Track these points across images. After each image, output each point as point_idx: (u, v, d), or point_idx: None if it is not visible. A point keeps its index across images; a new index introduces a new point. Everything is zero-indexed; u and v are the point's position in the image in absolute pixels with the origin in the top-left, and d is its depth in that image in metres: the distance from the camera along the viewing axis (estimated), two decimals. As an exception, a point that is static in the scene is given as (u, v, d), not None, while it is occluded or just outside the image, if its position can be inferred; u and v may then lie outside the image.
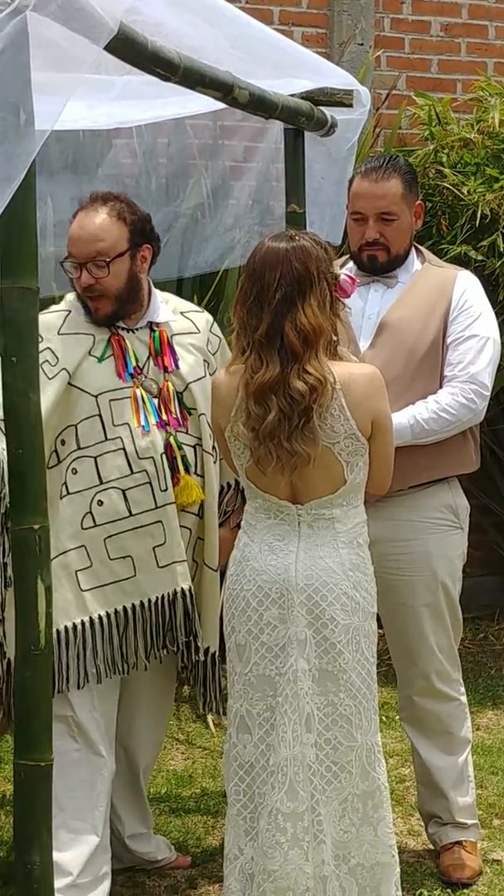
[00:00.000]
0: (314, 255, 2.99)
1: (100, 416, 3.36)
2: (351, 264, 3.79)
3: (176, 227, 4.51)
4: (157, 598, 3.42)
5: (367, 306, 3.73)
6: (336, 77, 3.76)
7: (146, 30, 2.61)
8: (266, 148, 4.42)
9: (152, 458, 3.38)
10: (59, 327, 3.43)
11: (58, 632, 3.30)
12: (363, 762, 3.08)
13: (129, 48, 2.49)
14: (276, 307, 2.96)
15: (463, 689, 3.86)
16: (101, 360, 3.41)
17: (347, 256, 3.87)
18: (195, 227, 4.63)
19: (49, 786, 2.45)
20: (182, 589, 3.44)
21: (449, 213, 5.53)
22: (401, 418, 3.55)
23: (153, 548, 3.40)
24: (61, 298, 3.54)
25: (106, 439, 3.36)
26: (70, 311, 3.46)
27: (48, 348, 3.36)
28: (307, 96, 3.65)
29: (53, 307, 3.48)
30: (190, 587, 3.46)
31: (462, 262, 5.08)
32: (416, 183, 3.85)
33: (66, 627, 3.34)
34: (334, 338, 3.06)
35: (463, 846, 3.84)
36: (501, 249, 5.32)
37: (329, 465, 3.03)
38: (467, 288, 3.75)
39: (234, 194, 4.72)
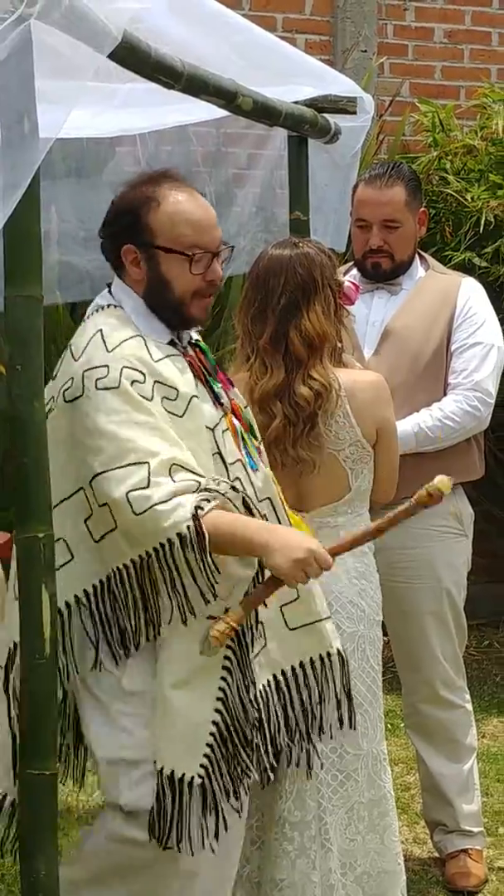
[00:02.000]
0: (318, 261, 2.99)
1: (220, 453, 2.71)
2: (355, 271, 3.79)
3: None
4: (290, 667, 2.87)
5: (371, 313, 3.73)
6: (339, 84, 3.76)
7: (150, 38, 2.61)
8: (270, 155, 4.42)
9: (269, 498, 2.84)
10: (151, 356, 2.67)
11: None
12: (369, 770, 3.08)
13: (132, 56, 2.49)
14: (280, 313, 2.96)
15: (468, 697, 3.86)
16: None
17: (351, 263, 3.87)
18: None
19: (54, 795, 2.45)
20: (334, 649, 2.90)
21: (453, 219, 5.53)
22: (405, 426, 3.54)
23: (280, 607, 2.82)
24: (68, 306, 3.50)
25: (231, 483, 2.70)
26: (138, 334, 2.70)
27: (158, 382, 2.62)
28: (311, 103, 3.65)
29: (116, 336, 2.68)
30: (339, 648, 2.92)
31: (466, 268, 5.07)
32: (420, 190, 3.85)
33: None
34: (339, 344, 3.07)
35: (468, 854, 3.83)
36: (505, 256, 5.32)
37: (334, 472, 3.02)
38: (471, 295, 3.75)
39: (238, 202, 4.72)
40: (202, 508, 2.48)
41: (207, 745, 2.60)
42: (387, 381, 3.17)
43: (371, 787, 3.09)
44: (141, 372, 2.61)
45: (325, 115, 3.72)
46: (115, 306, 2.77)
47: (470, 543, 3.85)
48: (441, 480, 2.58)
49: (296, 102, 3.58)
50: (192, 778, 2.58)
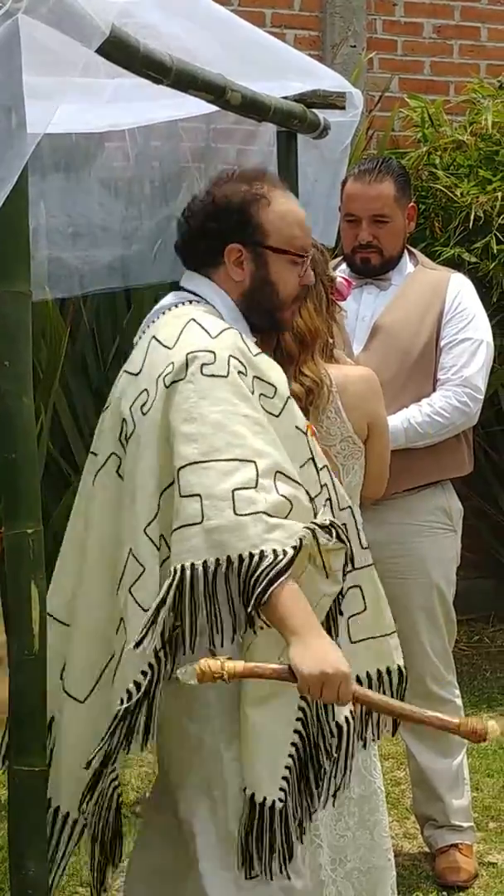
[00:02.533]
0: (313, 258, 2.98)
1: (313, 458, 2.59)
2: (344, 266, 3.79)
3: (169, 231, 4.50)
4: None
5: (360, 309, 3.73)
6: (328, 79, 3.75)
7: (138, 32, 2.61)
8: (259, 151, 4.41)
9: (349, 507, 2.72)
10: (249, 347, 2.54)
11: None
12: (359, 766, 3.07)
13: (120, 51, 2.49)
14: None
15: (458, 692, 3.86)
16: None
17: (341, 258, 3.86)
18: (189, 230, 4.62)
19: (44, 791, 2.44)
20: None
21: (442, 215, 5.52)
22: (394, 421, 3.54)
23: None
24: (57, 302, 3.49)
25: (320, 490, 2.60)
26: (232, 327, 2.57)
27: (256, 377, 2.50)
28: (300, 99, 3.65)
29: (215, 324, 2.52)
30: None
31: (455, 264, 5.07)
32: (409, 185, 3.85)
33: None
34: (331, 340, 3.06)
35: (459, 849, 3.83)
36: (495, 251, 5.31)
37: (325, 468, 3.02)
38: (461, 290, 3.75)
39: (227, 197, 4.71)
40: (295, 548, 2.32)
41: (286, 766, 2.50)
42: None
43: (361, 783, 3.09)
44: (243, 364, 2.47)
45: (315, 110, 3.71)
46: (198, 302, 2.61)
47: (459, 539, 3.85)
48: (493, 728, 2.39)
49: (285, 98, 3.57)
50: (274, 802, 2.48)
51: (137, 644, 2.33)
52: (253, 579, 2.28)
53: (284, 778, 2.49)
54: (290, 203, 2.68)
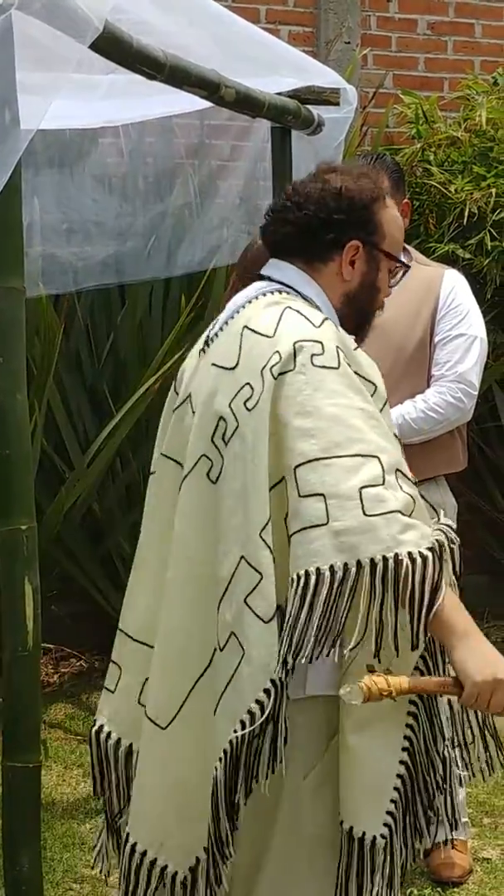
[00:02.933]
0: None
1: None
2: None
3: (163, 227, 4.51)
4: None
5: (354, 305, 3.73)
6: (323, 75, 3.76)
7: (132, 28, 2.61)
8: (253, 147, 4.41)
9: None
10: (348, 341, 2.39)
11: None
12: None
13: (114, 47, 2.49)
14: None
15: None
16: None
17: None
18: (182, 226, 4.63)
19: (38, 787, 2.44)
20: None
21: (436, 211, 5.52)
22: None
23: None
24: (51, 298, 3.48)
25: None
26: (328, 317, 2.42)
27: (357, 373, 2.34)
28: (294, 95, 3.65)
29: (315, 314, 2.36)
30: None
31: (450, 260, 5.08)
32: (403, 181, 3.85)
33: None
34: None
35: (453, 845, 3.83)
36: (489, 248, 5.31)
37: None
38: (454, 286, 3.75)
39: (222, 193, 4.72)
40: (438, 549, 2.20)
41: (391, 800, 2.29)
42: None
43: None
44: (347, 357, 2.30)
45: (309, 106, 3.71)
46: (287, 293, 2.41)
47: (454, 535, 3.84)
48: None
49: (279, 94, 3.57)
50: (375, 838, 2.28)
51: (285, 660, 2.14)
52: (413, 587, 2.15)
53: (390, 813, 2.28)
54: (394, 207, 2.55)
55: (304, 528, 2.16)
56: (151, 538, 2.47)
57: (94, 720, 2.54)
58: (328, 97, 3.71)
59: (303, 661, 2.14)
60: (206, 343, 2.44)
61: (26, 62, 2.29)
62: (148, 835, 2.37)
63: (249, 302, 2.41)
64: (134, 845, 2.38)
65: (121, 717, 2.47)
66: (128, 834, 2.40)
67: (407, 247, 3.89)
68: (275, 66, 3.59)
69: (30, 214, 3.93)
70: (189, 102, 3.46)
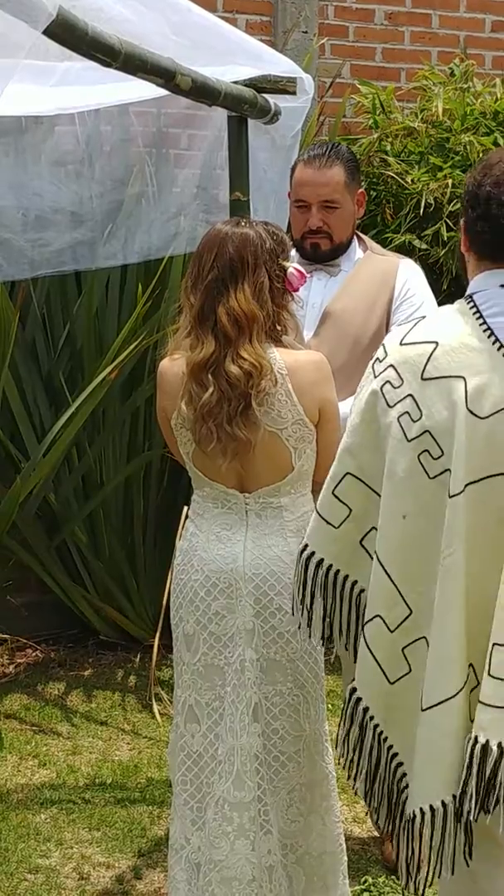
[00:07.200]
0: (255, 243, 2.99)
1: None
2: (293, 252, 3.79)
3: (120, 215, 4.49)
4: None
5: (310, 295, 3.73)
6: (279, 64, 3.75)
7: (86, 15, 2.59)
8: (210, 136, 4.40)
9: None
10: None
11: None
12: (310, 751, 3.09)
13: (68, 33, 2.47)
14: (206, 288, 2.98)
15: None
16: None
17: (290, 244, 3.86)
18: (139, 214, 4.61)
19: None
20: None
21: (393, 201, 5.54)
22: (345, 407, 3.54)
23: None
24: (8, 285, 3.44)
25: None
26: None
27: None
28: (250, 84, 3.63)
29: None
30: None
31: (406, 251, 5.08)
32: (359, 171, 3.85)
33: None
34: (278, 327, 3.06)
35: (408, 833, 3.85)
36: (445, 238, 5.33)
37: (276, 451, 3.02)
38: (409, 276, 3.76)
39: (179, 182, 4.70)
40: None
41: None
42: (327, 363, 3.17)
43: (312, 769, 3.10)
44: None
45: (265, 95, 3.70)
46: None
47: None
48: None
49: (236, 82, 3.56)
50: None
51: None
52: None
53: None
54: None
55: None
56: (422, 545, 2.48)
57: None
58: (285, 86, 3.70)
59: None
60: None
61: (-21, 48, 2.28)
62: None
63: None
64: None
65: None
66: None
67: (363, 237, 3.91)
68: (231, 54, 3.58)
69: (-16, 202, 3.90)
70: (146, 90, 3.44)
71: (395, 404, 2.50)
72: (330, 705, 4.65)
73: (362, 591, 2.62)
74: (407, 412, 2.47)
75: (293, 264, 3.15)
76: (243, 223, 3.06)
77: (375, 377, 2.57)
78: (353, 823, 4.08)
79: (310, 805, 3.10)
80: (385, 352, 2.57)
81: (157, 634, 4.93)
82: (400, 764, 2.57)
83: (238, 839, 2.98)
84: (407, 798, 2.54)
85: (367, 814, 4.03)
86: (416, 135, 5.60)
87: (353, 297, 3.72)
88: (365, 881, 3.72)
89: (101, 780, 4.38)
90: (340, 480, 2.60)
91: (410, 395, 2.47)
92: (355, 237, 3.83)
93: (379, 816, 2.61)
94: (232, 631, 3.03)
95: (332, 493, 2.61)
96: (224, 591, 3.03)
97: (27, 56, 2.46)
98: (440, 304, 3.88)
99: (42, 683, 5.24)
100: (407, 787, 2.55)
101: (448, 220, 5.33)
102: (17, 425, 5.26)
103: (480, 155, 5.39)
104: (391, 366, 2.53)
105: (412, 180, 5.41)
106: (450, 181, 5.34)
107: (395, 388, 2.51)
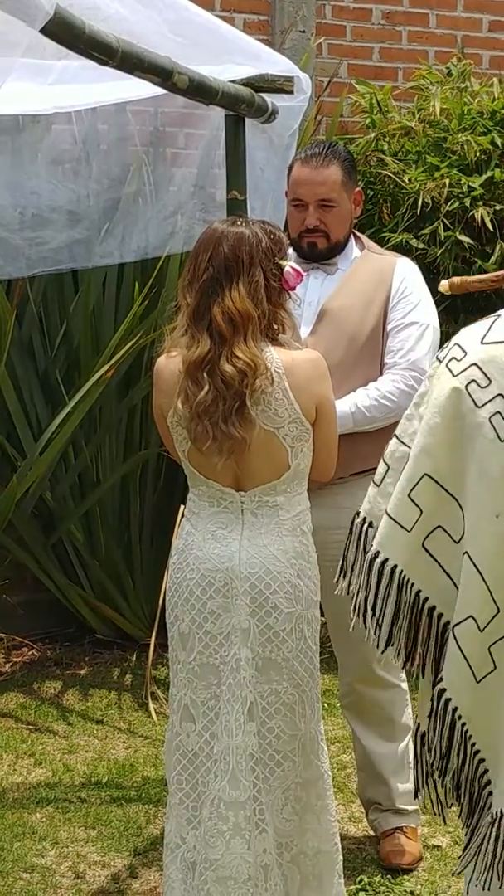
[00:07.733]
0: (250, 242, 2.99)
1: None
2: (291, 251, 3.79)
3: (117, 214, 4.49)
4: None
5: (307, 293, 3.73)
6: (277, 64, 3.74)
7: (84, 14, 2.59)
8: (207, 135, 4.40)
9: None
10: None
11: None
12: (306, 751, 3.09)
13: (65, 31, 2.47)
14: (202, 287, 2.98)
15: (403, 676, 3.88)
16: None
17: (287, 243, 3.86)
18: (136, 212, 4.61)
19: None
20: None
21: (390, 201, 5.54)
22: (342, 406, 3.55)
23: None
24: (4, 284, 3.45)
25: None
26: None
27: None
28: (248, 83, 3.63)
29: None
30: None
31: (403, 250, 5.09)
32: (356, 170, 3.85)
33: None
34: (275, 326, 3.06)
35: (403, 832, 3.86)
36: (442, 238, 5.33)
37: (273, 450, 3.03)
38: (406, 275, 3.76)
39: (176, 181, 4.70)
40: None
41: None
42: (324, 361, 3.17)
43: (308, 768, 3.10)
44: None
45: (263, 94, 3.70)
46: None
47: (405, 523, 3.85)
48: None
49: (233, 81, 3.56)
50: None
51: None
52: None
53: None
54: None
55: None
56: None
57: None
58: (282, 85, 3.70)
59: None
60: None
61: (-24, 46, 2.27)
62: None
63: None
64: None
65: None
66: None
67: (360, 235, 3.91)
68: (229, 53, 3.58)
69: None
70: (143, 89, 3.44)
71: (485, 404, 2.46)
72: (325, 704, 4.65)
73: (426, 599, 2.58)
74: (498, 412, 2.44)
75: (290, 263, 3.15)
76: (240, 222, 3.07)
77: (455, 376, 2.52)
78: (348, 822, 4.09)
79: (305, 804, 3.10)
80: (463, 350, 2.51)
81: (154, 633, 4.93)
82: (482, 760, 2.56)
83: (233, 838, 2.98)
84: (490, 796, 2.52)
85: (363, 813, 4.03)
86: (414, 134, 5.61)
87: (350, 296, 3.73)
88: (360, 880, 3.72)
89: (97, 779, 4.38)
90: (417, 482, 2.54)
91: (500, 394, 2.44)
92: (352, 236, 3.83)
93: (461, 813, 2.58)
94: (227, 630, 3.03)
95: (408, 495, 2.56)
96: (220, 589, 3.04)
97: (24, 54, 2.46)
98: (437, 303, 3.89)
99: (38, 682, 5.24)
100: (489, 783, 2.53)
101: (445, 220, 5.34)
102: (14, 423, 5.26)
103: (477, 154, 5.41)
104: (474, 364, 2.49)
105: (409, 180, 5.42)
106: (447, 181, 5.34)
107: (482, 387, 2.47)
